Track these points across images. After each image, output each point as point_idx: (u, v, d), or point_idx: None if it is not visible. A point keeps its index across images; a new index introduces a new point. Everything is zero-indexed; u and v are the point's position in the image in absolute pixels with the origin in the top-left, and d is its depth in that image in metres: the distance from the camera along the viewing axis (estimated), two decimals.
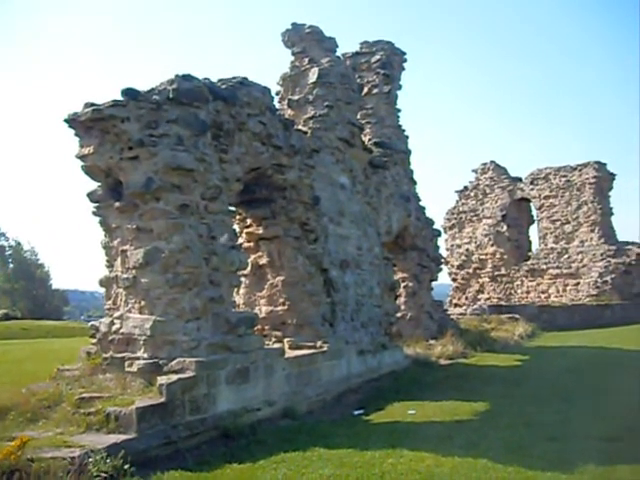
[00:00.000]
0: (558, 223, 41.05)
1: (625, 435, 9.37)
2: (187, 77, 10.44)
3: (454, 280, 45.07)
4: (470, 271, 44.26)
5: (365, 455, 8.30)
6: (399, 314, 21.02)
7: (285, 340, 13.50)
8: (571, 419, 10.67)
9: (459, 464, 7.85)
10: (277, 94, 17.17)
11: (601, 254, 38.46)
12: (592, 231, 39.33)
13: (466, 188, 45.51)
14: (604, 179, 39.70)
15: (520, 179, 43.43)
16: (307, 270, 13.93)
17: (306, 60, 17.14)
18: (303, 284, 13.91)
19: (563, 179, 40.88)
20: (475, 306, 34.77)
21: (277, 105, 15.61)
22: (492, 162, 44.52)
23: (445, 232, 44.99)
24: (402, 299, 22.12)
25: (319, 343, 13.37)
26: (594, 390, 13.55)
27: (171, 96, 10.08)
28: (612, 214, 40.04)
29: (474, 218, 44.54)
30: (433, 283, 23.92)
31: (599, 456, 8.08)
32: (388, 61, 22.05)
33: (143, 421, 8.13)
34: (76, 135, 10.30)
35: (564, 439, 9.23)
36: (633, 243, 39.29)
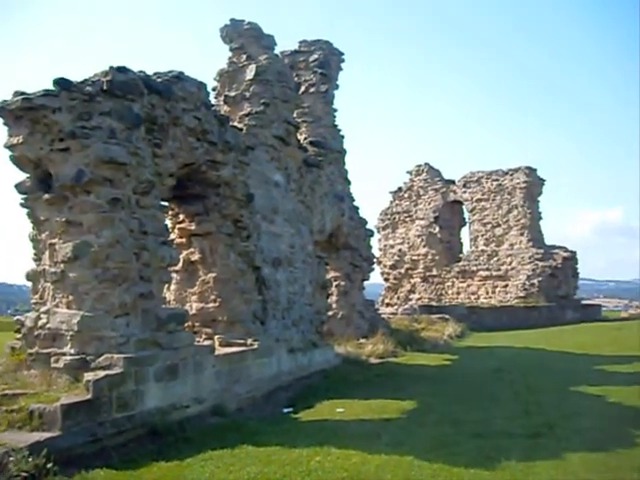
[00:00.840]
0: (489, 226, 42.01)
1: (546, 432, 9.73)
2: (122, 69, 10.27)
3: (386, 280, 45.59)
4: (402, 271, 44.83)
5: (293, 453, 8.35)
6: (330, 313, 21.17)
7: (215, 337, 13.43)
8: (496, 417, 10.98)
9: (385, 461, 7.98)
10: (214, 90, 17.07)
11: (529, 257, 39.53)
12: (521, 235, 40.40)
13: (400, 189, 46.10)
14: (534, 184, 40.83)
15: (453, 182, 44.27)
16: (239, 267, 13.89)
17: (244, 57, 17.08)
18: (235, 281, 13.86)
19: (495, 183, 41.87)
20: (406, 306, 35.32)
21: (213, 101, 15.54)
22: (426, 164, 45.23)
23: (379, 232, 45.49)
24: (334, 298, 22.28)
25: (249, 341, 13.34)
26: (518, 389, 13.97)
27: (105, 88, 9.89)
28: (541, 218, 41.18)
29: (407, 219, 45.15)
30: (365, 282, 24.16)
31: (521, 452, 8.38)
32: (326, 61, 22.16)
33: (68, 418, 7.97)
34: (5, 124, 10.00)
35: (488, 436, 9.49)
36: (560, 247, 40.49)
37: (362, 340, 21.34)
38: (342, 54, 23.03)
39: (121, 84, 10.09)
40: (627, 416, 11.01)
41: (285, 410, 12.24)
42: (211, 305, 13.94)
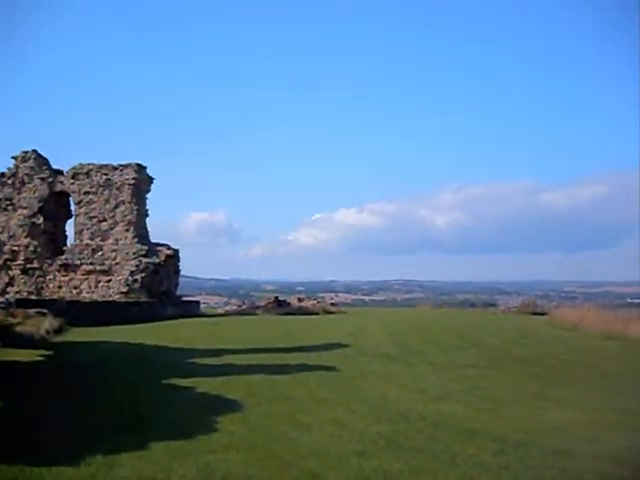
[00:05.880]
0: (95, 220, 41.68)
1: (135, 424, 10.14)
2: None
3: None
4: (0, 262, 42.33)
5: None
6: None
7: None
8: (89, 412, 11.04)
9: None
10: None
11: (134, 253, 40.16)
12: (127, 230, 40.85)
13: (3, 175, 43.44)
14: (143, 181, 41.65)
15: (62, 172, 43.01)
16: None
17: None
18: None
19: (104, 177, 41.67)
20: (1, 299, 33.40)
21: None
22: (34, 151, 43.25)
23: None
24: None
25: None
26: (114, 382, 14.24)
27: None
28: (147, 215, 42.18)
29: (9, 207, 42.77)
30: None
31: (108, 446, 8.55)
32: None
33: None
34: None
35: (80, 432, 9.50)
36: (164, 245, 41.89)
37: None
38: None
39: None
40: (211, 405, 11.86)
41: None
42: None
